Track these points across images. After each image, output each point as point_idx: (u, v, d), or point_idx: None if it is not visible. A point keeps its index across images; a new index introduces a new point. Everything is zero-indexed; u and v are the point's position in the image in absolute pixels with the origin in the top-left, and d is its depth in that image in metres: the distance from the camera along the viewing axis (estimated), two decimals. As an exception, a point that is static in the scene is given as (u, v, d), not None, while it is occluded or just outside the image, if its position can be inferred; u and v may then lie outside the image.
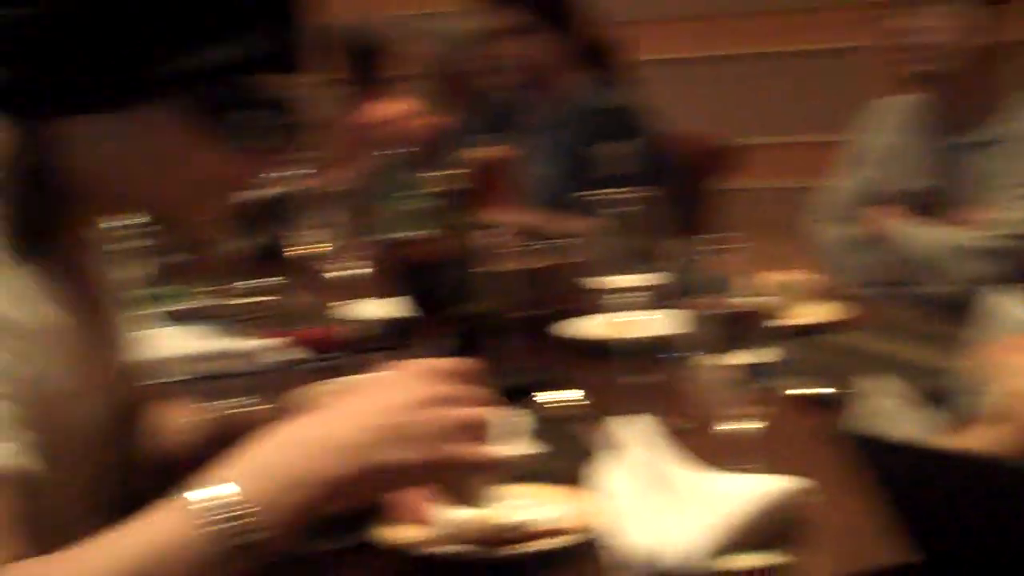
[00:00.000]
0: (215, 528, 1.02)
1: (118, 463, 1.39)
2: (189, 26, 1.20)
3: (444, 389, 1.16)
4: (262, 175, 1.31)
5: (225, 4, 1.21)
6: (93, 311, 1.33)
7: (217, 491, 1.04)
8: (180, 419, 1.56)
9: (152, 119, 1.21)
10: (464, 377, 1.19)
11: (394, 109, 5.41)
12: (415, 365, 1.19)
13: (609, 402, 1.72)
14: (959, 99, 2.87)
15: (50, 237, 1.22)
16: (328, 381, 1.66)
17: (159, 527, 1.03)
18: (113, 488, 1.38)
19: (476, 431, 1.16)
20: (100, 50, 1.18)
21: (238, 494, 1.04)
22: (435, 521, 1.28)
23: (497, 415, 1.19)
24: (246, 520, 1.03)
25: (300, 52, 1.29)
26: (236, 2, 1.22)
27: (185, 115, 1.22)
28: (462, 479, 1.22)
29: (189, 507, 1.03)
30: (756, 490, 1.26)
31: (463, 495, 1.24)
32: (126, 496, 1.39)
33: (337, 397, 1.17)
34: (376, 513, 1.31)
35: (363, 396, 1.16)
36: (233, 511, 1.03)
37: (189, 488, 1.05)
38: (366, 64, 5.50)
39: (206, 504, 1.03)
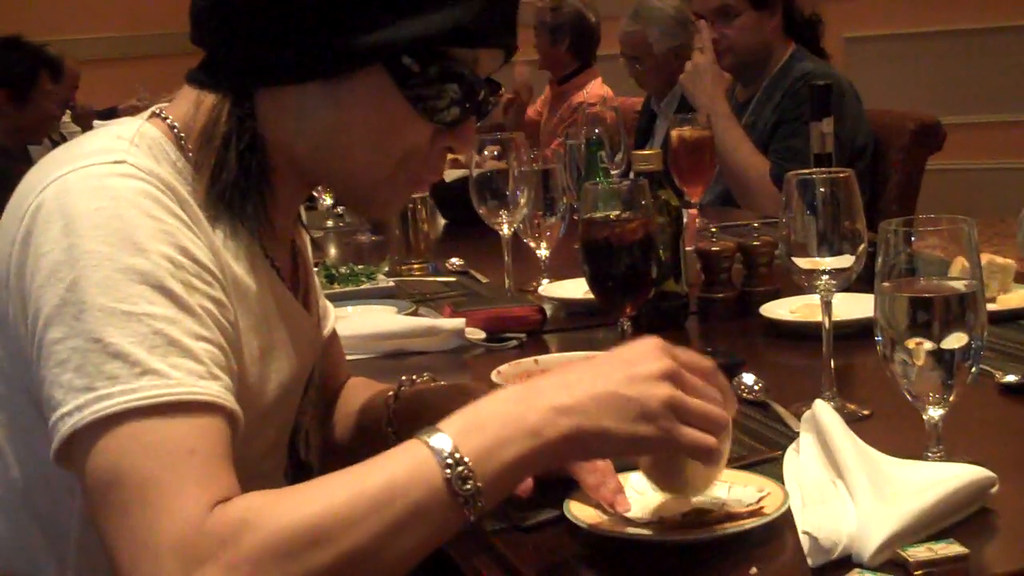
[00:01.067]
0: (437, 474, 1.05)
1: (296, 432, 1.42)
2: None
3: (687, 375, 1.16)
4: (462, 154, 1.31)
5: None
6: (286, 278, 1.35)
7: (435, 440, 1.07)
8: (362, 397, 1.57)
9: (358, 89, 1.23)
10: (706, 375, 1.18)
11: (593, 90, 5.44)
12: (662, 342, 1.18)
13: (799, 385, 1.68)
14: None
15: (246, 202, 1.25)
16: (516, 362, 1.64)
17: (399, 463, 1.06)
18: (286, 457, 1.41)
19: (707, 424, 1.15)
20: (307, 20, 1.20)
21: (451, 445, 1.06)
22: (627, 504, 1.27)
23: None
24: (459, 470, 1.05)
25: (511, 27, 1.28)
26: None
27: (391, 87, 1.23)
28: (673, 462, 1.22)
29: (424, 449, 1.06)
30: (940, 478, 1.22)
31: (670, 478, 1.24)
32: (298, 467, 1.42)
33: (581, 360, 1.18)
34: (571, 492, 1.30)
35: (601, 362, 1.16)
36: (446, 461, 1.05)
37: (426, 432, 1.08)
38: (567, 43, 5.52)
39: (432, 450, 1.06)
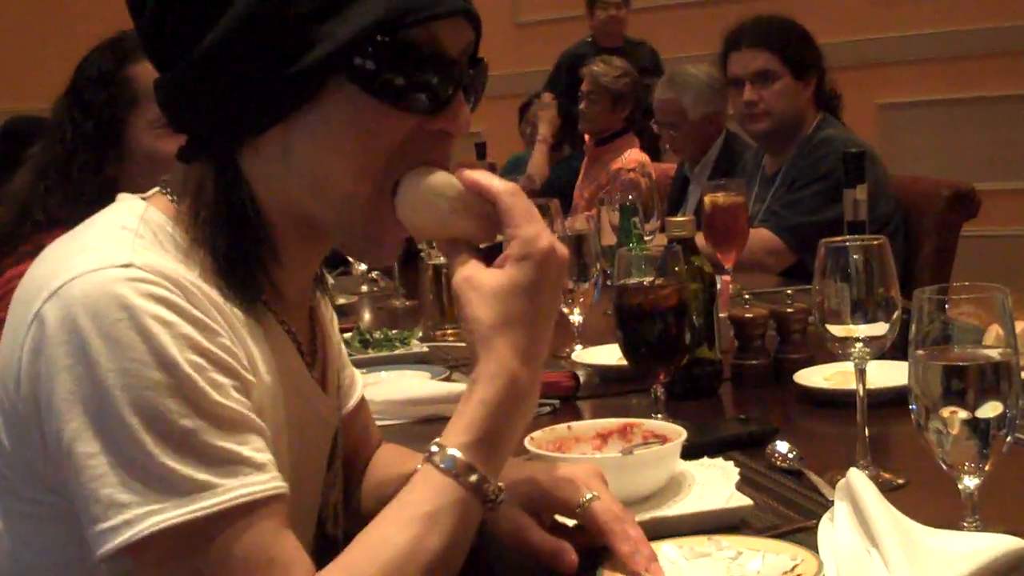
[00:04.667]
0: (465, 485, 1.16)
1: (323, 506, 1.41)
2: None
3: None
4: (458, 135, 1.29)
5: None
6: (304, 348, 1.35)
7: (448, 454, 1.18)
8: (392, 465, 1.57)
9: (327, 109, 1.21)
10: None
11: (631, 156, 5.46)
12: None
13: (833, 453, 1.67)
14: None
15: (247, 273, 1.24)
16: (549, 428, 1.63)
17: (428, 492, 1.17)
18: (313, 526, 1.40)
19: None
20: (248, 68, 1.20)
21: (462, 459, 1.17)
22: (660, 572, 1.26)
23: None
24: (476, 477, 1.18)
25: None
26: None
27: (357, 93, 1.21)
28: None
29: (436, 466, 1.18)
30: (976, 548, 1.21)
31: None
32: (323, 540, 1.41)
33: None
34: (604, 559, 1.30)
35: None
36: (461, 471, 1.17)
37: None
38: (628, 111, 5.55)
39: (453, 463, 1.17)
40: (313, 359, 1.39)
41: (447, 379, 2.29)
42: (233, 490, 1.09)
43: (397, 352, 2.56)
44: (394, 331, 2.70)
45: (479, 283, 1.21)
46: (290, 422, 1.29)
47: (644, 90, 5.51)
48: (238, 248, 1.23)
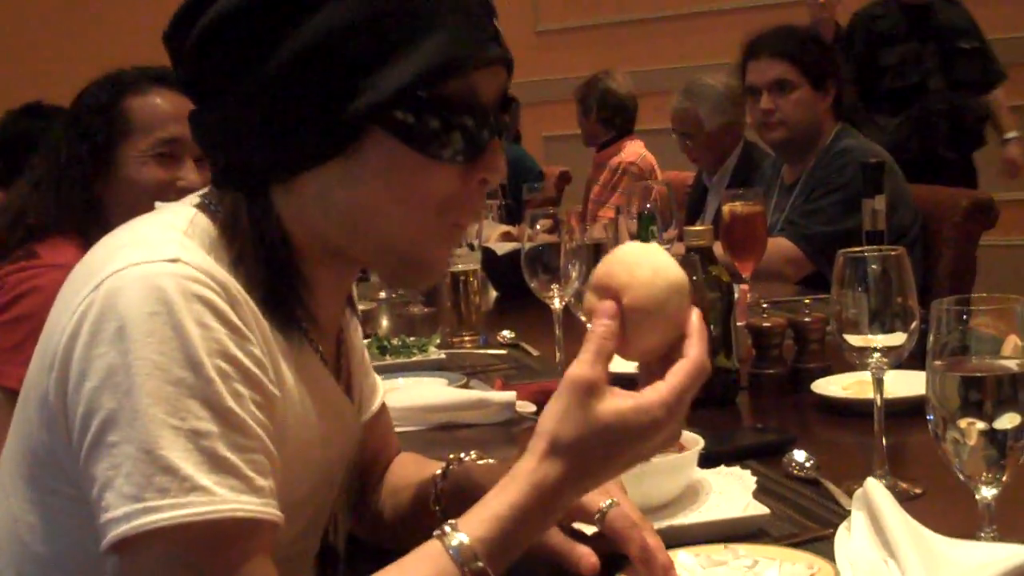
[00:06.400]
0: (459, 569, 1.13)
1: (337, 508, 1.42)
2: (369, 49, 1.20)
3: None
4: (495, 182, 1.29)
5: (400, 17, 1.20)
6: (329, 365, 1.35)
7: (458, 538, 1.14)
8: (411, 473, 1.57)
9: (367, 159, 1.22)
10: None
11: (631, 149, 5.51)
12: None
13: (850, 463, 1.67)
14: None
15: (280, 300, 1.25)
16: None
17: (428, 571, 1.15)
18: (323, 533, 1.40)
19: None
20: (290, 112, 1.21)
21: (470, 546, 1.14)
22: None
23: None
24: (476, 567, 1.13)
25: (495, 38, 1.26)
26: (411, 13, 1.20)
27: (397, 145, 1.21)
28: None
29: (445, 548, 1.14)
30: (993, 559, 1.21)
31: None
32: (325, 551, 1.41)
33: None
34: (621, 567, 1.30)
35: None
36: (466, 560, 1.13)
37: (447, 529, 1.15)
38: (595, 115, 5.74)
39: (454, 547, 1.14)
40: (338, 373, 1.40)
41: (464, 386, 2.30)
42: (227, 502, 1.09)
43: (415, 359, 2.57)
44: (412, 338, 2.70)
45: (588, 397, 1.15)
46: (322, 435, 1.30)
47: (610, 94, 5.73)
48: (274, 283, 1.24)
